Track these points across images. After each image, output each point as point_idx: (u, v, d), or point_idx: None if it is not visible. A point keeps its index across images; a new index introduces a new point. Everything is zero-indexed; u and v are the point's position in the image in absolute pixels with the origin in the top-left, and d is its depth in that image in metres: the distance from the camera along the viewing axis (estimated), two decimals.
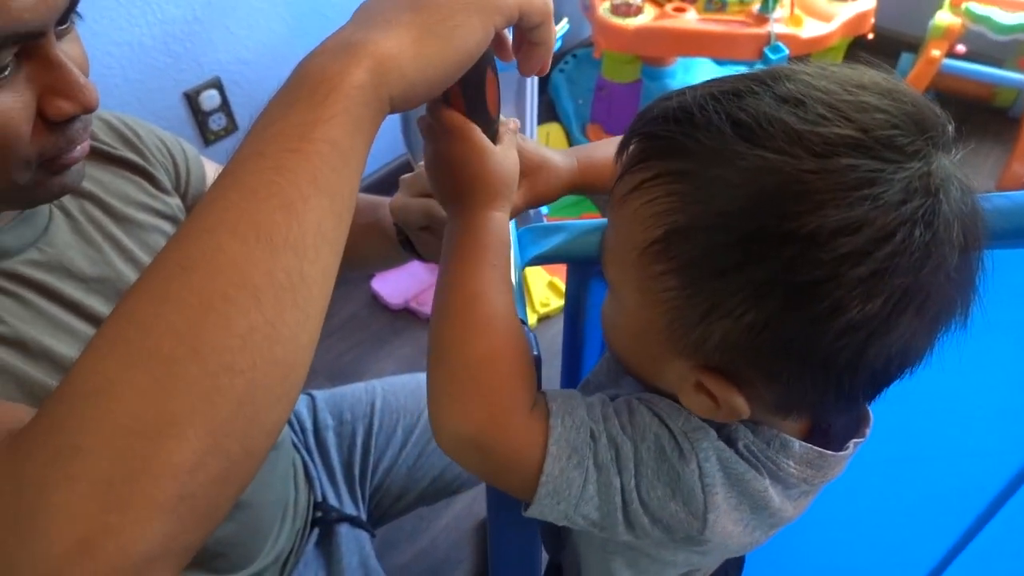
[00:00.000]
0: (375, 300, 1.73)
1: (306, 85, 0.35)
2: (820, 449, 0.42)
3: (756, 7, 1.78)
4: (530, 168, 0.52)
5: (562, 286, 1.72)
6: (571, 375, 0.68)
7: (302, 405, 0.94)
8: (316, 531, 0.84)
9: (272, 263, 0.32)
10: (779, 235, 0.33)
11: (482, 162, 0.45)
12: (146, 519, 0.28)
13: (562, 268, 1.89)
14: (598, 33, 1.85)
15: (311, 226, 0.33)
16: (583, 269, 0.59)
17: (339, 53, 0.35)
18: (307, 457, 0.88)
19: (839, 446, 0.44)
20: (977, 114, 2.28)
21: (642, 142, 0.39)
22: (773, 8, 1.75)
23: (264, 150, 0.33)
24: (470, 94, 0.44)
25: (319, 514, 0.84)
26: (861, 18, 1.84)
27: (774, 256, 0.33)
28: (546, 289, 1.72)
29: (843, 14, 1.80)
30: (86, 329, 0.54)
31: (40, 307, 0.52)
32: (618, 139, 0.53)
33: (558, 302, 1.68)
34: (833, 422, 0.45)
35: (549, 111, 2.23)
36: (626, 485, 0.40)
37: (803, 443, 0.42)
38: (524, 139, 0.52)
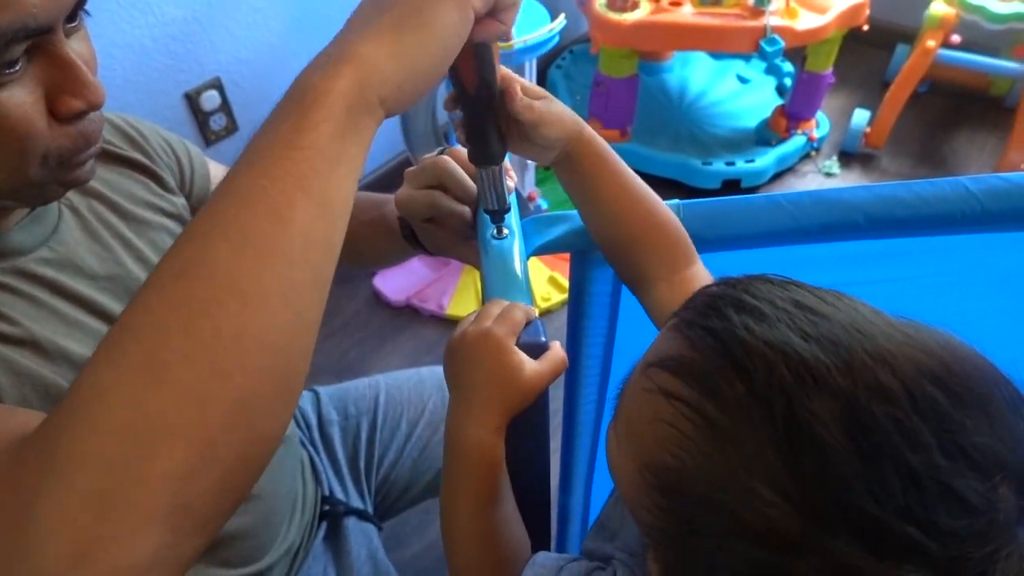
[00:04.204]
0: (376, 298, 1.74)
1: (295, 97, 0.36)
2: None
3: (751, 0, 1.79)
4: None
5: (562, 280, 1.73)
6: (574, 365, 0.69)
7: (306, 402, 0.95)
8: (324, 525, 0.84)
9: (260, 269, 0.32)
10: None
11: (513, 379, 0.45)
12: (138, 529, 0.28)
13: (561, 263, 1.88)
14: (595, 28, 1.86)
15: (299, 231, 0.34)
16: (586, 258, 0.60)
17: (325, 64, 0.36)
18: (313, 452, 0.89)
19: None
20: (973, 104, 2.29)
21: (696, 352, 0.34)
22: (768, 1, 1.76)
23: (254, 159, 0.35)
24: (484, 73, 0.46)
25: (327, 507, 0.85)
26: (856, 9, 1.84)
27: None
28: (546, 284, 1.73)
29: (838, 6, 1.81)
30: (98, 326, 0.55)
31: (52, 305, 0.53)
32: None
33: (559, 296, 1.69)
34: None
35: None
36: None
37: None
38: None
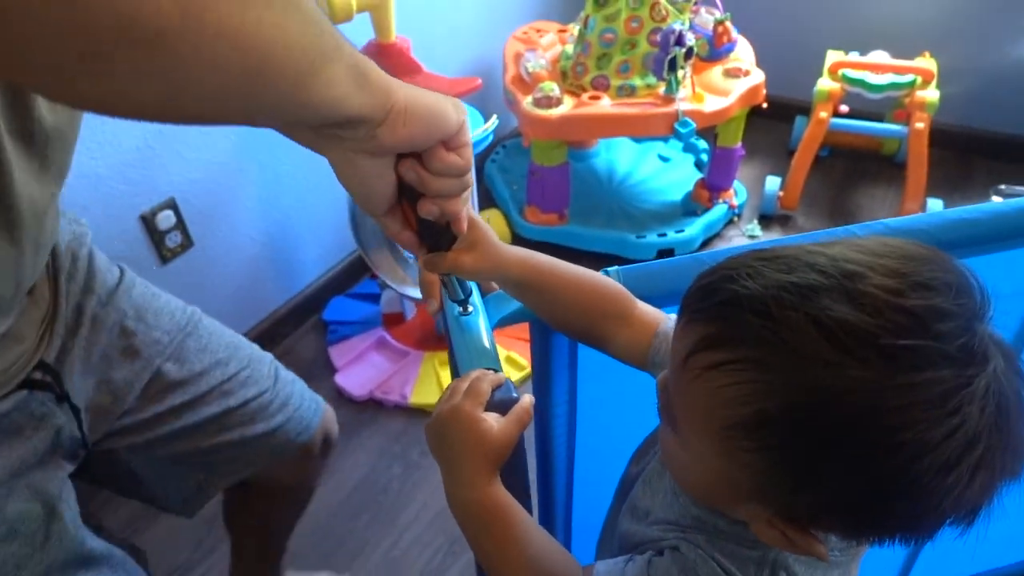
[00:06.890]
0: (340, 394, 1.76)
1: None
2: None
3: (662, 90, 1.98)
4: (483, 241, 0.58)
5: (520, 360, 1.79)
6: (543, 422, 0.75)
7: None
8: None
9: None
10: (882, 446, 0.37)
11: (485, 441, 0.51)
12: None
13: (519, 343, 1.92)
14: (525, 124, 2.01)
15: None
16: (546, 328, 0.67)
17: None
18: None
19: None
20: (869, 163, 2.53)
21: (717, 324, 0.41)
22: (677, 89, 1.95)
23: None
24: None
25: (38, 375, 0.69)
26: (754, 90, 2.06)
27: (876, 460, 0.38)
28: (504, 364, 1.79)
29: (738, 89, 2.02)
30: None
31: None
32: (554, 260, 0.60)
33: (517, 375, 1.75)
34: None
35: (487, 198, 2.37)
36: None
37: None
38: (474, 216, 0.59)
